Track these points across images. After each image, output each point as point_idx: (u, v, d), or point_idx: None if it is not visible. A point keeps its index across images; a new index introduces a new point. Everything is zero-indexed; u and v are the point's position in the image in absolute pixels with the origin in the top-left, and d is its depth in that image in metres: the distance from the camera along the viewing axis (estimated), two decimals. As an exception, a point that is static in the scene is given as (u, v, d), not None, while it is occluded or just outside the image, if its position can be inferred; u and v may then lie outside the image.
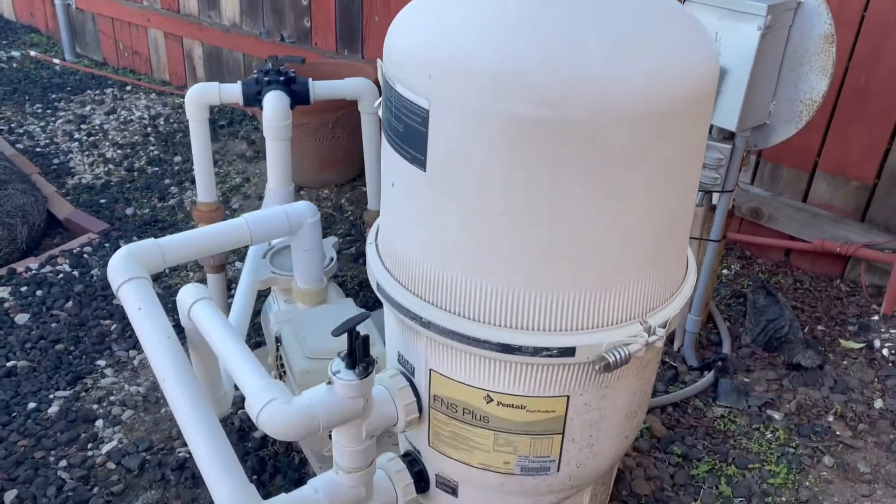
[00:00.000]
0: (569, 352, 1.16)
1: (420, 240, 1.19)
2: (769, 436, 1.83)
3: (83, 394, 2.17)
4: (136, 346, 2.35)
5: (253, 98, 2.13)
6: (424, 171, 1.12)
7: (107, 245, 2.87)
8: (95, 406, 2.12)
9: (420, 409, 1.35)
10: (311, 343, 1.68)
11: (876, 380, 1.98)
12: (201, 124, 2.16)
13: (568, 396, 1.25)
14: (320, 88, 2.19)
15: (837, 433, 1.83)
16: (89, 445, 1.99)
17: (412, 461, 1.48)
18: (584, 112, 1.01)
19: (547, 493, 1.40)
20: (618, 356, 1.15)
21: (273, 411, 1.20)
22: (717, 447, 1.80)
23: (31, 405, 2.11)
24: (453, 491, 1.45)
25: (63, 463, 1.93)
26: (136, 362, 2.29)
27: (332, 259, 2.05)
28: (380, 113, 1.30)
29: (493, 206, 1.08)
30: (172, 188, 3.29)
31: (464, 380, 1.26)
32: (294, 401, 1.22)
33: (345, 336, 1.60)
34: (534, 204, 1.07)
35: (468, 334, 1.17)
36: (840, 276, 2.39)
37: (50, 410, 2.10)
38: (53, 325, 2.43)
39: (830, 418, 1.88)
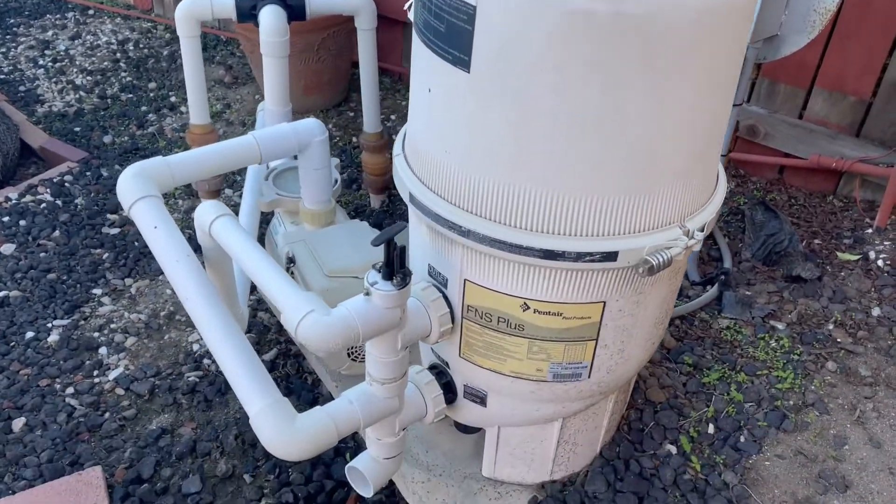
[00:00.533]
0: (611, 256, 1.16)
1: (461, 147, 1.16)
2: (774, 344, 1.88)
3: (82, 322, 2.12)
4: (131, 273, 2.30)
5: (247, 13, 2.04)
6: (468, 72, 1.08)
7: (88, 174, 2.77)
8: (97, 334, 2.08)
9: (453, 320, 1.35)
10: (330, 262, 1.66)
11: (873, 289, 2.04)
12: (192, 41, 2.07)
13: (604, 302, 1.26)
14: (317, 3, 2.10)
15: (838, 340, 1.89)
16: (95, 372, 1.96)
17: (440, 373, 1.49)
18: (641, 6, 0.98)
19: (576, 399, 1.43)
20: (661, 259, 1.16)
21: (312, 323, 1.18)
22: (725, 356, 1.84)
23: (29, 334, 2.06)
24: (482, 401, 1.46)
25: (70, 390, 1.91)
26: (133, 290, 2.24)
27: (336, 180, 2.01)
28: (410, 15, 1.25)
29: (543, 108, 1.06)
30: (150, 115, 3.17)
31: (500, 288, 1.25)
32: (332, 312, 1.20)
33: (366, 251, 1.58)
34: (585, 105, 1.05)
35: (510, 241, 1.16)
36: (833, 192, 2.44)
37: (49, 339, 2.05)
38: (42, 254, 2.36)
39: (831, 326, 1.94)
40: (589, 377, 1.37)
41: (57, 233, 2.45)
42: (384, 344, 1.28)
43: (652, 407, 1.71)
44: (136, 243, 2.41)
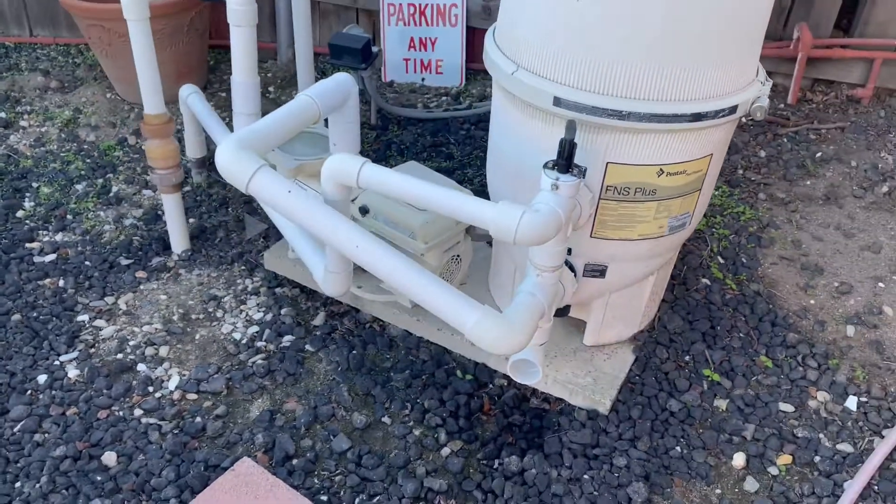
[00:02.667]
0: (734, 110, 1.48)
1: (619, 41, 1.38)
2: (716, 192, 2.37)
3: (92, 350, 1.92)
4: (106, 291, 2.09)
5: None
6: (632, -27, 1.31)
7: (-40, 211, 2.38)
8: (120, 356, 1.90)
9: (592, 204, 1.57)
10: (419, 196, 1.75)
11: (751, 140, 2.62)
12: (142, 24, 1.93)
13: (712, 154, 1.58)
14: (259, -32, 2.07)
15: (752, 178, 2.44)
16: (150, 388, 1.82)
17: (562, 261, 1.70)
18: None
19: (674, 247, 1.75)
20: (765, 104, 1.50)
21: (530, 221, 1.34)
22: (694, 209, 2.29)
23: (42, 378, 1.82)
24: (601, 273, 1.71)
25: (138, 412, 1.75)
26: (122, 305, 2.05)
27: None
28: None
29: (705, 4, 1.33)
30: (-16, 138, 2.75)
31: (641, 161, 1.51)
32: (538, 209, 1.37)
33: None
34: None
35: (666, 113, 1.42)
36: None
37: (71, 374, 1.83)
38: (-18, 301, 2.04)
39: (741, 171, 2.47)
40: (689, 224, 1.69)
41: (-18, 276, 2.12)
42: (561, 233, 1.47)
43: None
44: (87, 263, 2.18)
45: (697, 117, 1.44)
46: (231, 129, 2.16)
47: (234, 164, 1.44)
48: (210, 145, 2.66)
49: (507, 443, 1.70)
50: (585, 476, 1.63)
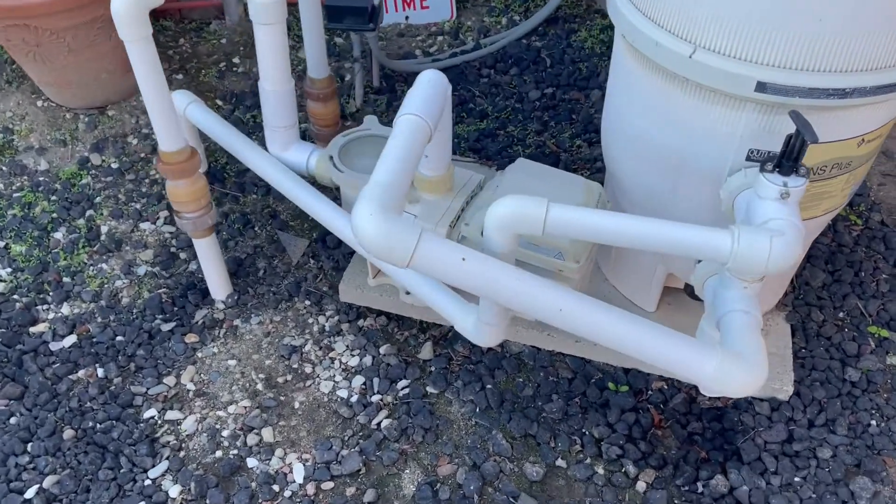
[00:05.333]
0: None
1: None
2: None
3: (182, 453, 1.59)
4: (160, 371, 1.73)
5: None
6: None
7: (-80, 299, 1.89)
8: (219, 454, 1.58)
9: (781, 191, 1.35)
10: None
11: None
12: (143, 44, 1.48)
13: (898, 115, 1.38)
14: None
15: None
16: (275, 488, 1.53)
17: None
18: None
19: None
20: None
21: (784, 246, 1.13)
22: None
23: (140, 507, 1.50)
24: (772, 255, 1.52)
25: (277, 522, 1.48)
26: (188, 385, 1.71)
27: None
28: None
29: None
30: None
31: (844, 136, 1.29)
32: (781, 228, 1.15)
33: (554, 183, 1.38)
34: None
35: (889, 83, 1.20)
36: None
37: (174, 493, 1.51)
38: (14, 420, 1.64)
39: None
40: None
41: (16, 389, 1.69)
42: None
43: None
44: (120, 338, 1.79)
45: (916, 82, 1.23)
46: (262, 143, 1.77)
47: (391, 240, 1.13)
48: (215, 157, 2.23)
49: (700, 459, 1.54)
50: (797, 478, 1.50)
